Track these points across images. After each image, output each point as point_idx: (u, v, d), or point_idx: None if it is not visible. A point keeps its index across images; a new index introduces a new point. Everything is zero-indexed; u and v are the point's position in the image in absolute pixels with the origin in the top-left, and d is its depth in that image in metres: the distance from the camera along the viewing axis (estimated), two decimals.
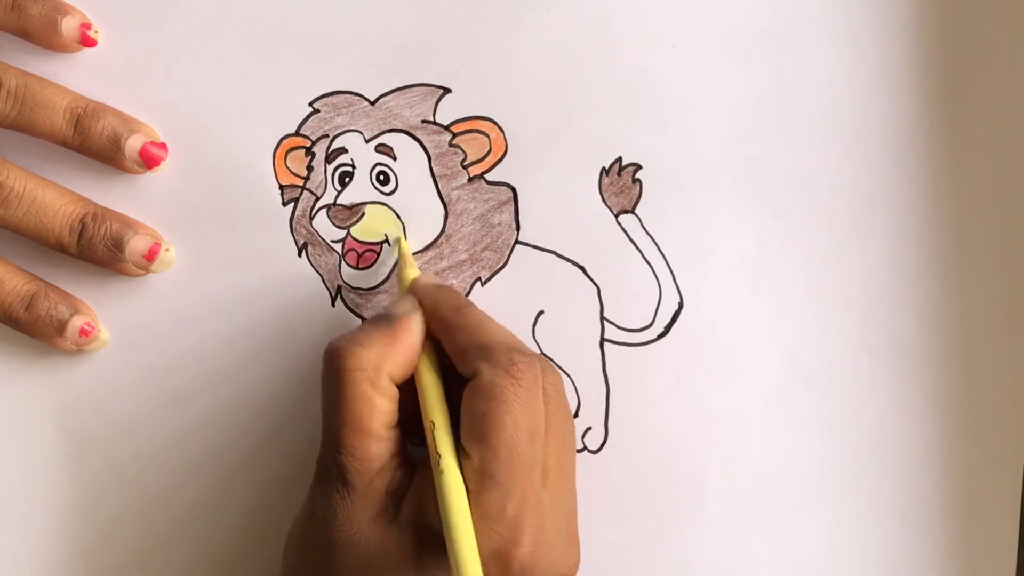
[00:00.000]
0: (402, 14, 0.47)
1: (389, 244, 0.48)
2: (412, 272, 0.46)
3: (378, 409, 0.41)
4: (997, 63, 0.48)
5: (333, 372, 0.42)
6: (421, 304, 0.44)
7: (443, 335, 0.43)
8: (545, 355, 0.48)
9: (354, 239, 0.48)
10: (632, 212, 0.48)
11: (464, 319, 0.43)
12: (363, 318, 0.48)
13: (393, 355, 0.42)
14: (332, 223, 0.47)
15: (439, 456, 0.40)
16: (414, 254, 0.48)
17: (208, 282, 0.48)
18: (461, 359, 0.42)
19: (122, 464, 0.48)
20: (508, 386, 0.41)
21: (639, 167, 0.48)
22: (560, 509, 0.43)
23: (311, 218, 0.47)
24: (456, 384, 0.42)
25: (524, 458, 0.40)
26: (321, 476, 0.42)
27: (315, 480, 0.42)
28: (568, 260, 0.48)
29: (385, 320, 0.43)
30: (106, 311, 0.47)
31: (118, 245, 0.46)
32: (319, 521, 0.41)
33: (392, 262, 0.48)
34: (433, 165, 0.47)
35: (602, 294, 0.48)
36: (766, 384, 0.48)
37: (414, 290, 0.44)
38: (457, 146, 0.47)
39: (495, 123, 0.47)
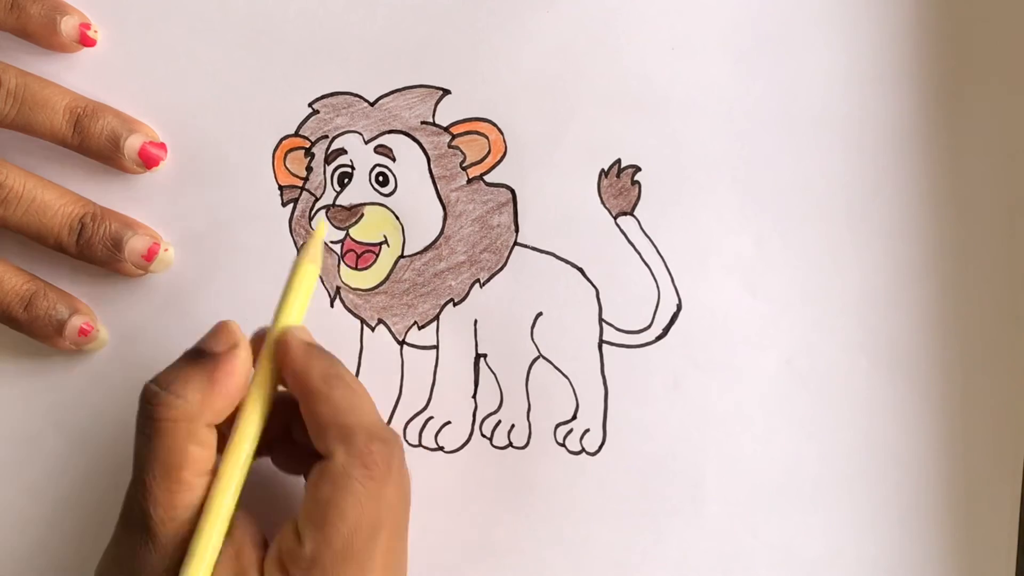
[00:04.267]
0: (402, 15, 0.47)
1: (388, 245, 0.48)
2: (309, 273, 0.42)
3: (191, 459, 0.39)
4: (996, 64, 0.48)
5: (147, 418, 0.39)
6: (291, 366, 0.41)
7: (305, 403, 0.40)
8: (544, 357, 0.48)
9: (353, 240, 0.48)
10: (631, 214, 0.48)
11: (332, 391, 0.40)
12: (362, 319, 0.48)
13: (211, 401, 0.39)
14: (331, 224, 0.47)
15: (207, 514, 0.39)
16: (413, 255, 0.48)
17: (207, 282, 0.48)
18: (318, 435, 0.40)
19: (121, 464, 0.48)
20: (359, 477, 0.39)
21: (638, 169, 0.48)
22: None
23: (310, 219, 0.47)
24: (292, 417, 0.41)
25: (358, 556, 0.39)
26: (126, 516, 0.40)
27: (121, 517, 0.40)
28: (567, 262, 0.48)
29: (204, 359, 0.40)
30: (106, 311, 0.48)
31: (117, 245, 0.46)
32: (122, 567, 0.39)
33: (390, 264, 0.48)
34: (432, 166, 0.47)
35: (601, 296, 0.48)
36: (764, 386, 0.48)
37: (283, 345, 0.41)
38: (456, 147, 0.47)
39: (494, 124, 0.47)
